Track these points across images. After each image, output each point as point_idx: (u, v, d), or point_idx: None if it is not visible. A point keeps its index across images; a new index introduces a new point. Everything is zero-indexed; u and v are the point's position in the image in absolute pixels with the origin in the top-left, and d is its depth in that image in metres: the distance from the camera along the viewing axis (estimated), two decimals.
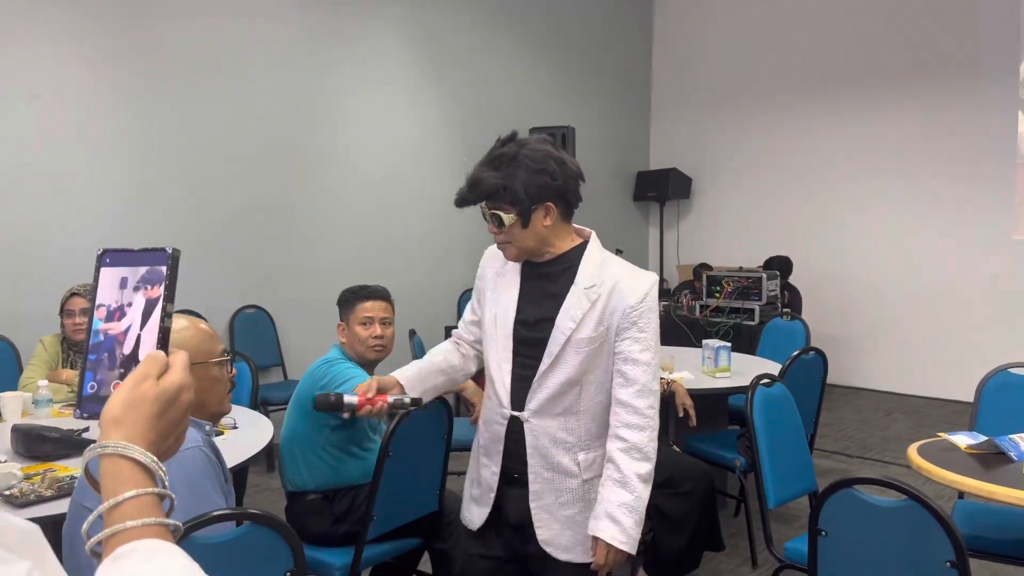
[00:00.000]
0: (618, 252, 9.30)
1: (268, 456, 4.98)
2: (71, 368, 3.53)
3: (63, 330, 3.58)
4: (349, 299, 2.93)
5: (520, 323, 1.96)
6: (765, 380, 2.92)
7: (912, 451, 2.59)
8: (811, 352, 3.75)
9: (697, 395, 3.65)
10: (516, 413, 1.94)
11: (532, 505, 1.94)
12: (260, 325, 5.48)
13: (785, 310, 5.65)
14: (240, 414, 3.13)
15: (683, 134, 8.57)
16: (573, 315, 1.89)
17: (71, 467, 2.46)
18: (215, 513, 1.49)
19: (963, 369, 6.40)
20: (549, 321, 1.91)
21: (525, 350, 1.94)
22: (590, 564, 1.92)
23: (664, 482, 3.25)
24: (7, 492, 2.21)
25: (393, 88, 6.26)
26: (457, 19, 6.70)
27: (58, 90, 4.56)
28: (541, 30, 7.46)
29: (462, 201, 1.92)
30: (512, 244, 1.93)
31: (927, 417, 6.44)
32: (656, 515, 3.26)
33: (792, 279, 6.80)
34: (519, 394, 1.94)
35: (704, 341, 4.11)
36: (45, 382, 3.27)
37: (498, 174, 1.86)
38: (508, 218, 1.88)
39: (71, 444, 2.58)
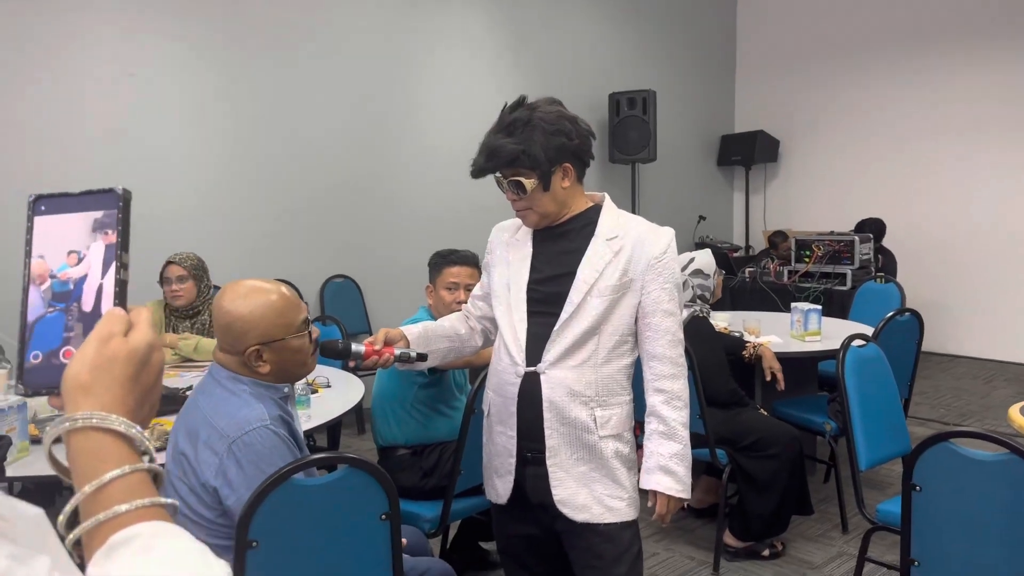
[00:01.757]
0: (701, 219, 9.05)
1: (359, 419, 5.14)
2: (173, 332, 3.70)
3: (165, 297, 3.76)
4: (437, 263, 2.98)
5: (535, 282, 1.94)
6: (858, 340, 2.85)
7: (1014, 411, 2.49)
8: (906, 313, 3.63)
9: (785, 359, 3.58)
10: (532, 368, 1.90)
11: (549, 462, 1.89)
12: (348, 293, 5.64)
13: (879, 274, 5.47)
14: (333, 374, 3.25)
15: (770, 95, 8.32)
16: (595, 265, 1.88)
17: None
18: (314, 457, 1.56)
19: None
20: (569, 275, 1.89)
21: (542, 307, 1.92)
22: (614, 524, 1.89)
23: (751, 445, 3.22)
24: None
25: (473, 55, 6.28)
26: None
27: (152, 68, 4.76)
28: None
29: (480, 171, 1.90)
30: (533, 210, 1.91)
31: None
32: (742, 478, 3.24)
33: (885, 243, 6.56)
34: (535, 350, 1.91)
35: (793, 304, 4.03)
36: None
37: (514, 139, 1.84)
38: (529, 183, 1.86)
39: (177, 400, 2.73)
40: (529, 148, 1.82)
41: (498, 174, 1.91)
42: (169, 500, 0.68)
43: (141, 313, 0.75)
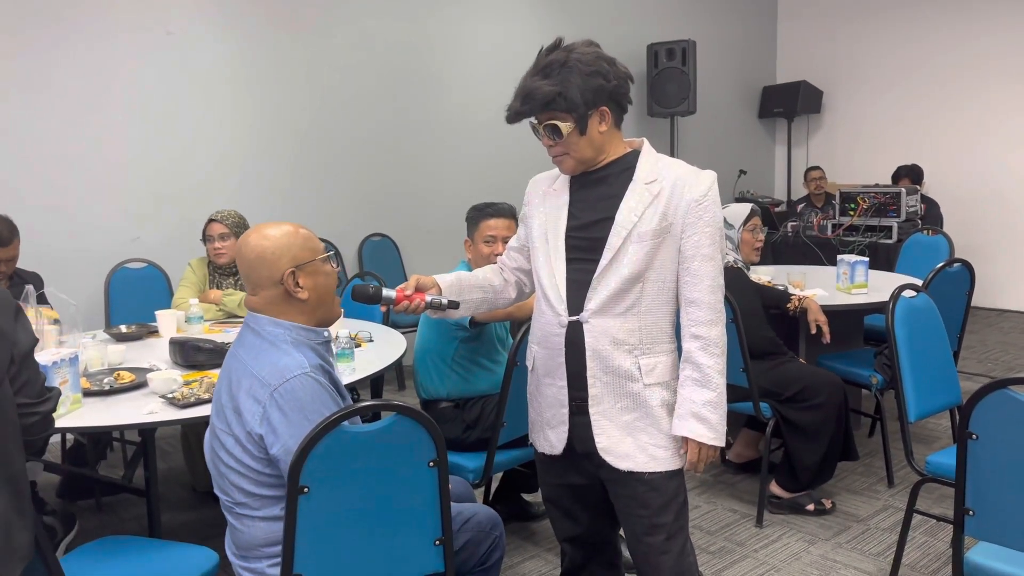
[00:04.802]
0: (741, 173, 8.92)
1: (399, 375, 5.18)
2: (217, 289, 3.74)
3: (208, 254, 3.79)
4: (474, 216, 2.97)
5: (574, 229, 1.90)
6: (908, 291, 2.78)
7: None
8: (956, 264, 3.54)
9: (831, 312, 3.52)
10: (574, 317, 1.88)
11: (592, 411, 1.88)
12: (386, 252, 5.65)
13: (927, 226, 5.35)
14: (375, 329, 3.29)
15: (813, 44, 8.09)
16: (634, 208, 1.83)
17: None
18: (364, 404, 1.57)
19: None
20: (607, 220, 1.86)
21: (581, 254, 1.89)
22: (659, 473, 1.88)
23: (794, 396, 3.19)
24: (170, 395, 2.40)
25: (506, 6, 6.18)
26: None
27: (189, 27, 4.76)
28: None
29: (515, 115, 1.86)
30: (569, 155, 1.87)
31: None
32: (788, 429, 3.21)
33: (933, 197, 6.40)
34: (576, 299, 1.88)
35: (839, 256, 3.95)
36: (196, 301, 3.49)
37: (551, 81, 1.79)
38: (565, 127, 1.81)
39: (223, 354, 2.76)
40: (565, 90, 1.78)
41: (533, 119, 1.87)
42: None
43: None
